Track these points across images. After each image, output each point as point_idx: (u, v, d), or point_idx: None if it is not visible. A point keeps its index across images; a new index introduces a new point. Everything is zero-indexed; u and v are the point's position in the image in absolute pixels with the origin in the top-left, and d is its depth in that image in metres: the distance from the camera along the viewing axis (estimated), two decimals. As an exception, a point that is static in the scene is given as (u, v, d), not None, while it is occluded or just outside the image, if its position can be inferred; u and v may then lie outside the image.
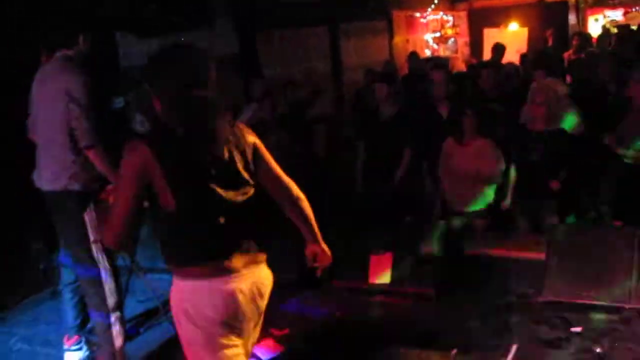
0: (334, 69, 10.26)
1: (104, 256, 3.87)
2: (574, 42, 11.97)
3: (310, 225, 2.95)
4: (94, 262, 3.86)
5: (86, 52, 3.93)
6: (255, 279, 2.67)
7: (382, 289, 4.38)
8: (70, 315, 4.25)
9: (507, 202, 5.23)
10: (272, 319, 4.41)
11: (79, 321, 4.24)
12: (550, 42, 11.96)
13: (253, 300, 2.65)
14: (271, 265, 2.85)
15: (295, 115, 7.02)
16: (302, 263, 4.77)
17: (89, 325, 4.22)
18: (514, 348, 3.50)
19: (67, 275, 4.31)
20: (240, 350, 2.67)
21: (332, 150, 7.95)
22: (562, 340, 3.57)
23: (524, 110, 5.65)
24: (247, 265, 2.62)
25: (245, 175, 2.62)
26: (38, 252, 5.67)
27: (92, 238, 3.83)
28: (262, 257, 2.75)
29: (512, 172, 5.22)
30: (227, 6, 7.54)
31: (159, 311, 4.77)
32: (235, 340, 2.63)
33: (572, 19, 17.43)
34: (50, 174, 3.83)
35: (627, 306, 3.70)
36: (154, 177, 2.42)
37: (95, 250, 3.85)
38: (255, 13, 8.03)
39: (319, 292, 4.51)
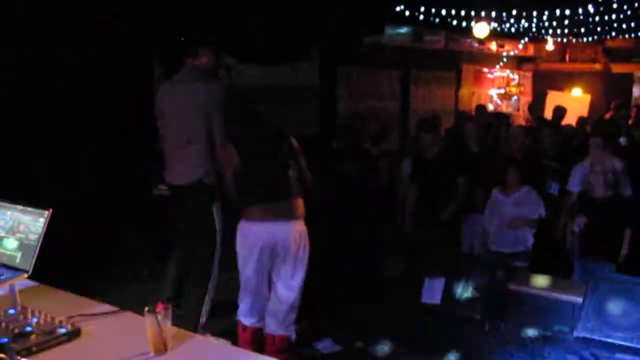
0: (403, 111, 10.95)
1: (221, 242, 4.49)
2: (633, 114, 12.47)
3: None
4: (213, 250, 4.46)
5: (207, 64, 4.48)
6: None
7: (433, 309, 4.94)
8: (169, 288, 4.75)
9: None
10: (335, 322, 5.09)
11: (174, 295, 4.73)
12: (612, 112, 12.34)
13: None
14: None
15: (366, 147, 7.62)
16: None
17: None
18: (546, 371, 4.02)
19: (177, 267, 4.78)
20: None
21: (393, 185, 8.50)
22: (590, 371, 4.08)
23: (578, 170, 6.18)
24: None
25: None
26: (142, 264, 6.34)
27: (217, 228, 4.44)
28: None
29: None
30: (318, 43, 8.30)
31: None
32: None
33: (636, 91, 17.75)
34: (186, 169, 4.39)
35: (652, 349, 4.20)
36: None
37: (218, 239, 4.45)
38: (338, 52, 8.78)
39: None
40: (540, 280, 5.31)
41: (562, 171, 6.51)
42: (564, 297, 4.92)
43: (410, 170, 6.67)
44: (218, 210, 4.44)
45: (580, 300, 4.66)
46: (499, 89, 14.73)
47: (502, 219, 5.85)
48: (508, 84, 15.04)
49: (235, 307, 4.53)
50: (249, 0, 6.51)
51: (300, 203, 4.28)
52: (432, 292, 5.00)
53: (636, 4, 7.96)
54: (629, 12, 8.53)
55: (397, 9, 8.61)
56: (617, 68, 15.20)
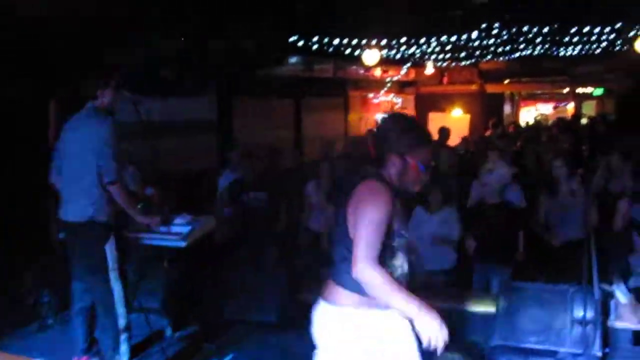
0: (297, 138, 11.13)
1: (119, 283, 4.39)
2: (510, 130, 13.38)
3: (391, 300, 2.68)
4: (109, 288, 4.36)
5: (109, 103, 4.53)
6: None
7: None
8: (80, 338, 4.67)
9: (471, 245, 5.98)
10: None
11: (87, 344, 4.66)
12: (491, 130, 13.12)
13: None
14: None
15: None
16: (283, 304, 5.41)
17: (97, 347, 4.66)
18: (468, 382, 4.20)
19: (77, 301, 4.70)
20: None
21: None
22: (508, 377, 4.31)
23: (474, 186, 6.57)
24: None
25: None
26: (29, 287, 6.01)
27: (110, 266, 4.35)
28: None
29: (471, 242, 5.98)
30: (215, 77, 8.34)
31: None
32: None
33: (507, 108, 19.03)
34: (78, 207, 4.35)
35: (561, 349, 4.48)
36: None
37: (112, 277, 4.37)
38: (233, 84, 8.83)
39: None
40: (453, 295, 5.54)
41: (461, 188, 6.85)
42: (476, 309, 5.18)
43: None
44: (111, 247, 4.37)
45: (491, 311, 4.92)
46: (384, 113, 15.28)
47: (426, 236, 6.01)
48: (392, 108, 15.64)
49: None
50: (145, 35, 6.47)
51: None
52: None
53: (514, 29, 8.58)
54: (505, 37, 9.17)
55: (291, 39, 8.81)
56: (490, 88, 16.24)
